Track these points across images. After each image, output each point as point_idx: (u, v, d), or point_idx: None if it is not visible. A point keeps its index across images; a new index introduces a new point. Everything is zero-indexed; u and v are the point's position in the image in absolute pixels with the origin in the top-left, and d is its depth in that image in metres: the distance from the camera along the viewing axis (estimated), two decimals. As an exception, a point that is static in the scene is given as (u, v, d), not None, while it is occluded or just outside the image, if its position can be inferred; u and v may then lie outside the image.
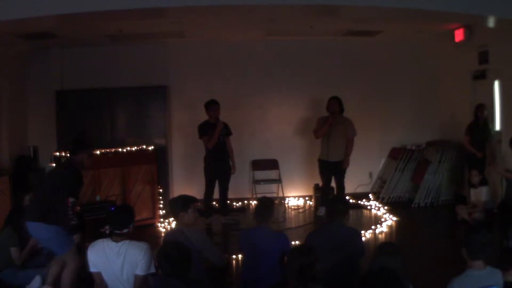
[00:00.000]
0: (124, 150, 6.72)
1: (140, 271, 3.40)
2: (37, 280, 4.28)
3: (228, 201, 7.19)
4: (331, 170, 7.01)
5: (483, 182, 6.34)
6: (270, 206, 4.19)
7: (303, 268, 2.91)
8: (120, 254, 3.40)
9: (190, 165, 7.72)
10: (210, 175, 6.82)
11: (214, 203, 7.09)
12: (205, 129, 6.65)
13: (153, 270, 3.46)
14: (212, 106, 6.67)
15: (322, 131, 6.88)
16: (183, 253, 3.04)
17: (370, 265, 3.03)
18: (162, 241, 4.12)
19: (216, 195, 6.99)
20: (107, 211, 5.78)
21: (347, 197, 7.11)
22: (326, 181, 7.15)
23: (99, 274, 3.47)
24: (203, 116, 6.78)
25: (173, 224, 6.56)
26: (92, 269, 3.50)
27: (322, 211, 7.09)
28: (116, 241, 3.45)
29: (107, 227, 3.57)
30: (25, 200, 4.97)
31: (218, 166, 6.80)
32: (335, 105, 6.89)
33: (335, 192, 7.32)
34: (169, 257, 2.99)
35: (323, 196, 7.31)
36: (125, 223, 3.47)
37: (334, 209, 3.98)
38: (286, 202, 8.09)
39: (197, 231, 3.96)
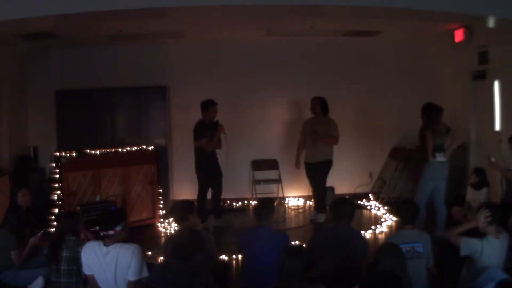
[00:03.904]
0: (124, 150, 6.71)
1: (132, 277, 3.33)
2: (39, 281, 4.28)
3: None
4: (313, 171, 6.87)
5: (484, 183, 6.31)
6: (270, 205, 4.20)
7: (295, 268, 2.88)
8: (112, 259, 3.34)
9: (190, 165, 7.69)
10: (207, 176, 6.70)
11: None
12: (202, 131, 6.54)
13: (145, 274, 3.39)
14: (212, 107, 6.57)
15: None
16: (193, 236, 3.03)
17: (373, 266, 3.04)
18: (169, 240, 4.13)
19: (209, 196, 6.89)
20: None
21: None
22: (312, 183, 7.05)
23: (93, 276, 3.45)
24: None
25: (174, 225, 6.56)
26: (86, 271, 3.49)
27: (316, 215, 7.02)
28: (107, 245, 3.40)
29: (97, 227, 3.56)
30: (19, 196, 4.95)
31: (213, 167, 6.73)
32: (316, 105, 6.76)
33: (334, 192, 7.30)
34: (179, 239, 2.99)
35: (317, 200, 7.12)
36: (111, 224, 3.41)
37: (341, 210, 3.99)
38: (286, 202, 8.09)
39: (206, 232, 4.00)
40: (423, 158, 6.01)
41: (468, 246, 3.69)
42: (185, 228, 3.22)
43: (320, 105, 6.75)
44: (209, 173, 6.71)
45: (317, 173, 6.85)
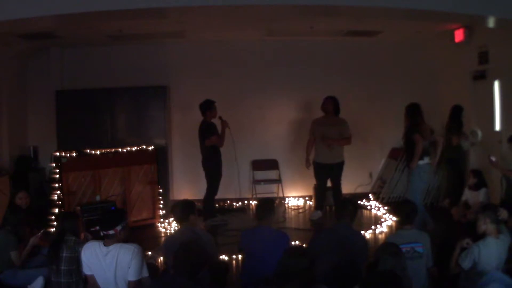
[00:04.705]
0: (124, 150, 6.71)
1: (132, 277, 3.33)
2: (39, 281, 4.27)
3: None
4: (327, 172, 6.93)
5: (482, 184, 6.31)
6: (270, 205, 4.20)
7: (295, 268, 2.88)
8: (112, 259, 3.35)
9: (190, 165, 7.72)
10: (218, 174, 6.84)
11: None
12: (212, 129, 6.67)
13: (145, 274, 3.40)
14: (214, 105, 6.70)
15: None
16: (199, 253, 3.04)
17: (373, 266, 3.04)
18: (168, 240, 4.12)
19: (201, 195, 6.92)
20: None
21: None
22: (322, 184, 7.08)
23: (93, 276, 3.45)
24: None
25: (174, 224, 6.56)
26: (86, 271, 3.49)
27: (315, 215, 7.05)
28: (107, 245, 3.41)
29: (97, 227, 3.56)
30: (17, 199, 4.95)
31: (220, 166, 6.85)
32: (329, 104, 6.82)
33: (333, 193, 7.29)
34: (187, 257, 2.98)
35: (318, 200, 7.18)
36: (111, 224, 3.42)
37: (343, 210, 4.00)
38: (286, 202, 8.09)
39: (206, 232, 4.00)
40: (409, 160, 5.82)
41: (466, 260, 3.74)
42: (191, 243, 3.17)
43: (333, 105, 6.81)
44: (218, 171, 6.81)
45: (333, 174, 6.93)
